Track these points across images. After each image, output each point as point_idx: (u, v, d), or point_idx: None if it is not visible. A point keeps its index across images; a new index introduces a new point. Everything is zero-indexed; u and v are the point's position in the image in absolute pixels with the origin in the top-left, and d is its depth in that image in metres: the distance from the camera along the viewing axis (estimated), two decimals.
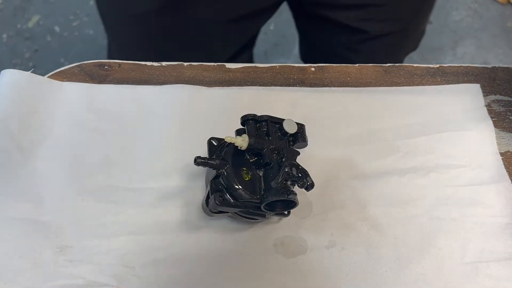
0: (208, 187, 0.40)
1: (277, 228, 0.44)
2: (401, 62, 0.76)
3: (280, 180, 0.37)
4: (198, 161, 0.38)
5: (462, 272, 0.42)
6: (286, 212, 0.42)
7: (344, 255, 0.43)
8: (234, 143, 0.38)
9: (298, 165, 0.38)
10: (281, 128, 0.40)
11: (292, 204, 0.39)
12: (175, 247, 0.42)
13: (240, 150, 0.38)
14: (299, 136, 0.41)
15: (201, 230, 0.43)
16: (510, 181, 0.47)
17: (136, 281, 0.40)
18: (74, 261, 0.41)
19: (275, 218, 0.44)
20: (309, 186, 0.37)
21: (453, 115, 0.52)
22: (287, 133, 0.40)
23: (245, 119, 0.40)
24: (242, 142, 0.38)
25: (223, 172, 0.38)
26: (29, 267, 0.40)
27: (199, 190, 0.45)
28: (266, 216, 0.41)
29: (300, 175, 0.37)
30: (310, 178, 0.37)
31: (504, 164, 0.48)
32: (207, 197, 0.39)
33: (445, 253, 0.43)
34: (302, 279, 0.41)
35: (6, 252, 0.41)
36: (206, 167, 0.39)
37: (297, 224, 0.44)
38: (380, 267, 0.42)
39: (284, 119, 0.41)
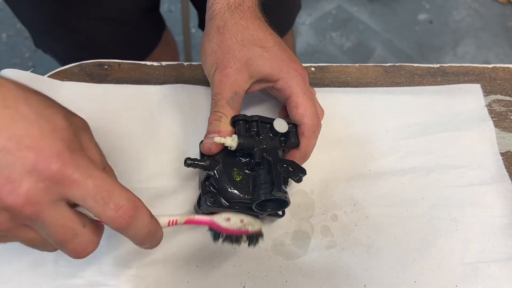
0: (200, 189, 0.39)
1: (276, 229, 0.44)
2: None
3: (274, 179, 0.37)
4: (188, 162, 0.37)
5: (462, 272, 0.42)
6: (280, 213, 0.42)
7: (344, 255, 0.43)
8: (224, 143, 0.38)
9: (287, 161, 0.38)
10: (272, 128, 0.40)
11: (284, 203, 0.38)
12: (174, 248, 0.42)
13: (231, 150, 0.38)
14: (291, 136, 0.41)
15: (201, 231, 0.43)
16: (510, 181, 0.47)
17: (135, 281, 0.40)
18: (73, 261, 0.41)
19: (271, 218, 0.44)
20: (301, 175, 0.37)
21: (453, 115, 0.52)
22: (278, 132, 0.40)
23: (235, 120, 0.39)
24: (232, 142, 0.37)
25: (214, 173, 0.38)
26: (29, 267, 0.40)
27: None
28: (259, 216, 0.40)
29: (291, 169, 0.37)
30: (302, 168, 0.37)
31: (504, 164, 0.48)
32: (199, 199, 0.39)
33: (445, 253, 0.43)
34: (302, 279, 0.41)
35: (6, 253, 0.41)
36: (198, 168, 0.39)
37: (297, 224, 0.44)
38: (380, 267, 0.42)
39: (274, 119, 0.40)
